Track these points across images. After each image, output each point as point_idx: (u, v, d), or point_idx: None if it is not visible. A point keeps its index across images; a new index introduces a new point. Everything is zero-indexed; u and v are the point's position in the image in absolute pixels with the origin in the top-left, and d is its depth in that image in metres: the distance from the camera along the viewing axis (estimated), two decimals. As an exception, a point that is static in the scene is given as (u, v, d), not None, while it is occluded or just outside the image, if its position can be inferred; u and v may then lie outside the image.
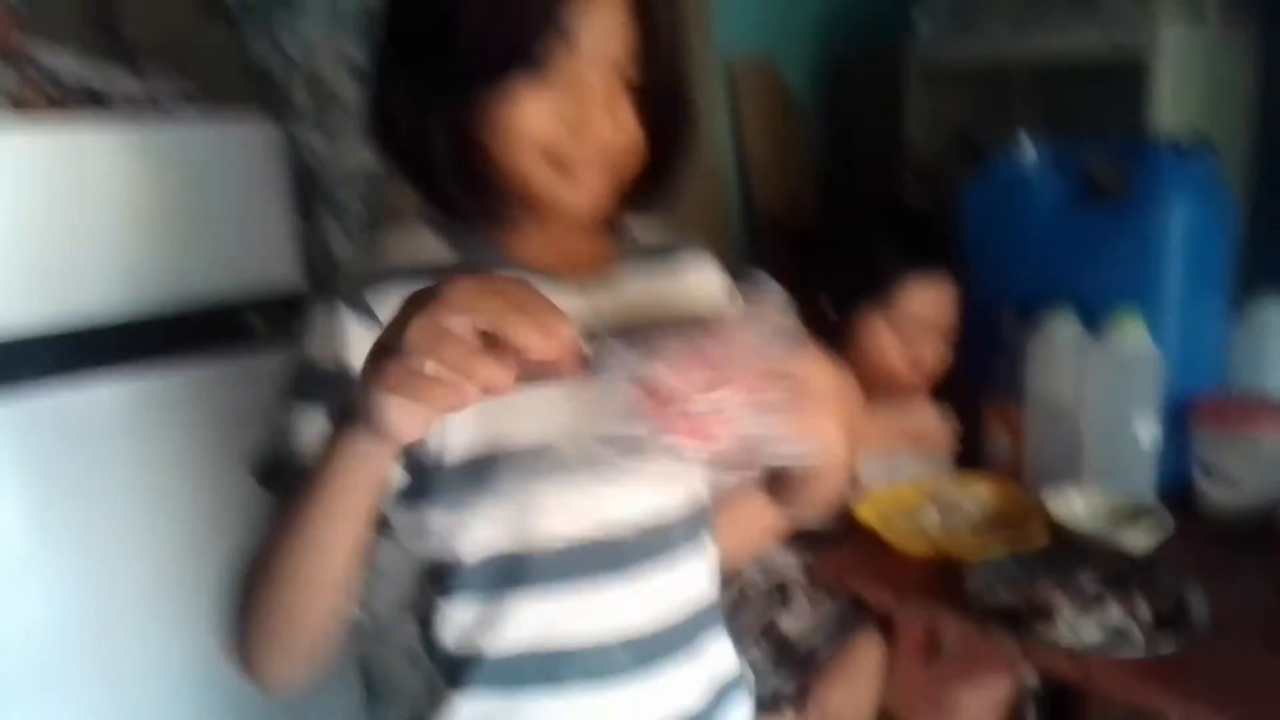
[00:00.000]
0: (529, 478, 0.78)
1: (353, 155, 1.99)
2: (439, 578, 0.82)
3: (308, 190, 1.95)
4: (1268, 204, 1.68)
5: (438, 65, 0.75)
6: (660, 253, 0.93)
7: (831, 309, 1.55)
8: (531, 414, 0.77)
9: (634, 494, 0.83)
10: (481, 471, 0.78)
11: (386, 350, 0.59)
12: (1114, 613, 1.18)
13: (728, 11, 2.35)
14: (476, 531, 0.80)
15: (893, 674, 1.49)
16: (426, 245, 0.83)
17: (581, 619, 0.82)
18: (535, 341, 0.57)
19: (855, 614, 1.52)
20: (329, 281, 0.81)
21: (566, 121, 0.75)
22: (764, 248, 2.62)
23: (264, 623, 0.71)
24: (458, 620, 0.82)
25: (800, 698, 1.54)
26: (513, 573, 0.80)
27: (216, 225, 1.49)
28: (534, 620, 0.81)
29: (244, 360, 1.51)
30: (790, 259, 2.56)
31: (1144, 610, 1.18)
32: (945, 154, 2.25)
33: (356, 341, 0.75)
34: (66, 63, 1.47)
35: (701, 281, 0.95)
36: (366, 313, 0.76)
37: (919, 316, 1.51)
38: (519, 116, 0.75)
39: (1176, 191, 1.43)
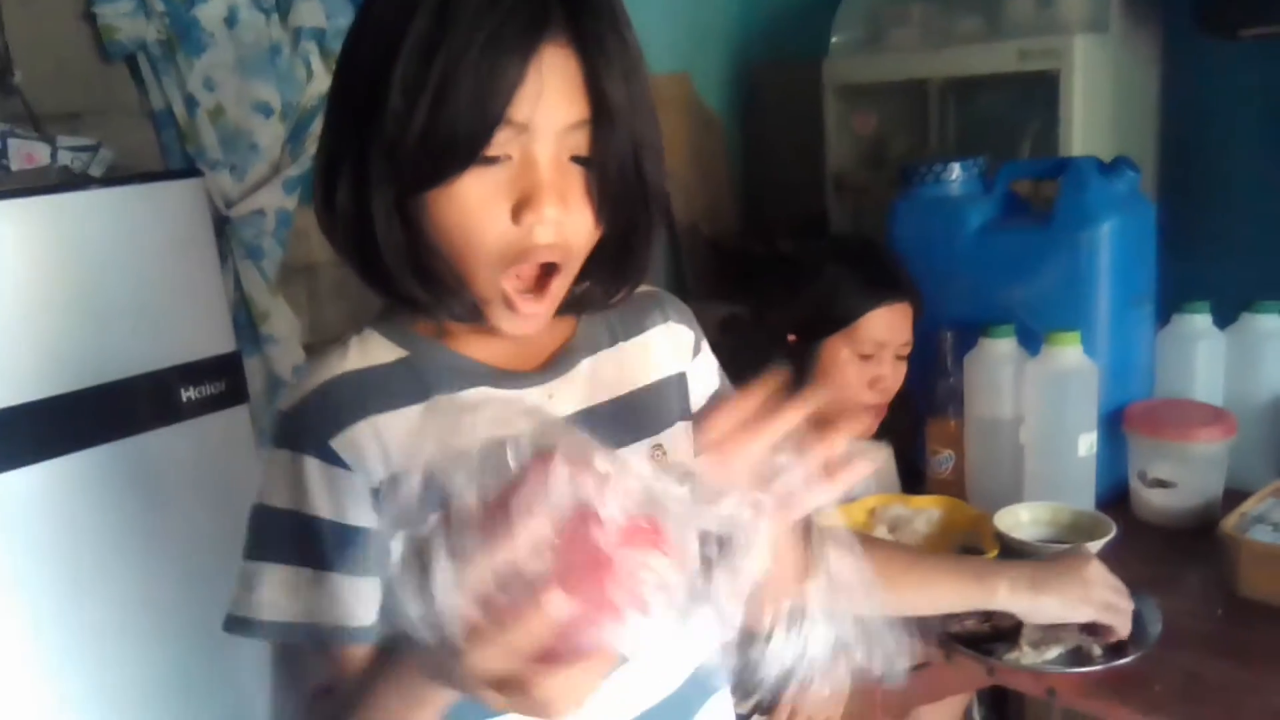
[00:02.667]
0: None
1: (264, 194, 1.93)
2: None
3: (220, 234, 1.88)
4: (1176, 208, 1.75)
5: (382, 159, 0.69)
6: (627, 317, 0.90)
7: (795, 338, 1.58)
8: None
9: None
10: None
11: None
12: (1073, 629, 1.21)
13: (641, 29, 2.35)
14: None
15: (855, 689, 1.52)
16: (373, 349, 0.79)
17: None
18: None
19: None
20: (288, 426, 0.76)
21: (514, 206, 0.70)
22: (685, 260, 2.63)
23: None
24: None
25: (763, 710, 1.56)
26: None
27: (140, 293, 1.42)
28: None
29: (176, 428, 1.46)
30: (717, 274, 2.57)
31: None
32: (863, 166, 2.29)
33: (328, 493, 0.73)
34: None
35: (669, 344, 0.93)
36: (338, 463, 0.73)
37: (880, 341, 1.53)
38: (473, 216, 0.70)
39: (1103, 210, 1.48)
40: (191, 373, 1.47)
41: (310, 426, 0.74)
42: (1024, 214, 1.63)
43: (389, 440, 0.75)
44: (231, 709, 1.54)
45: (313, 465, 0.73)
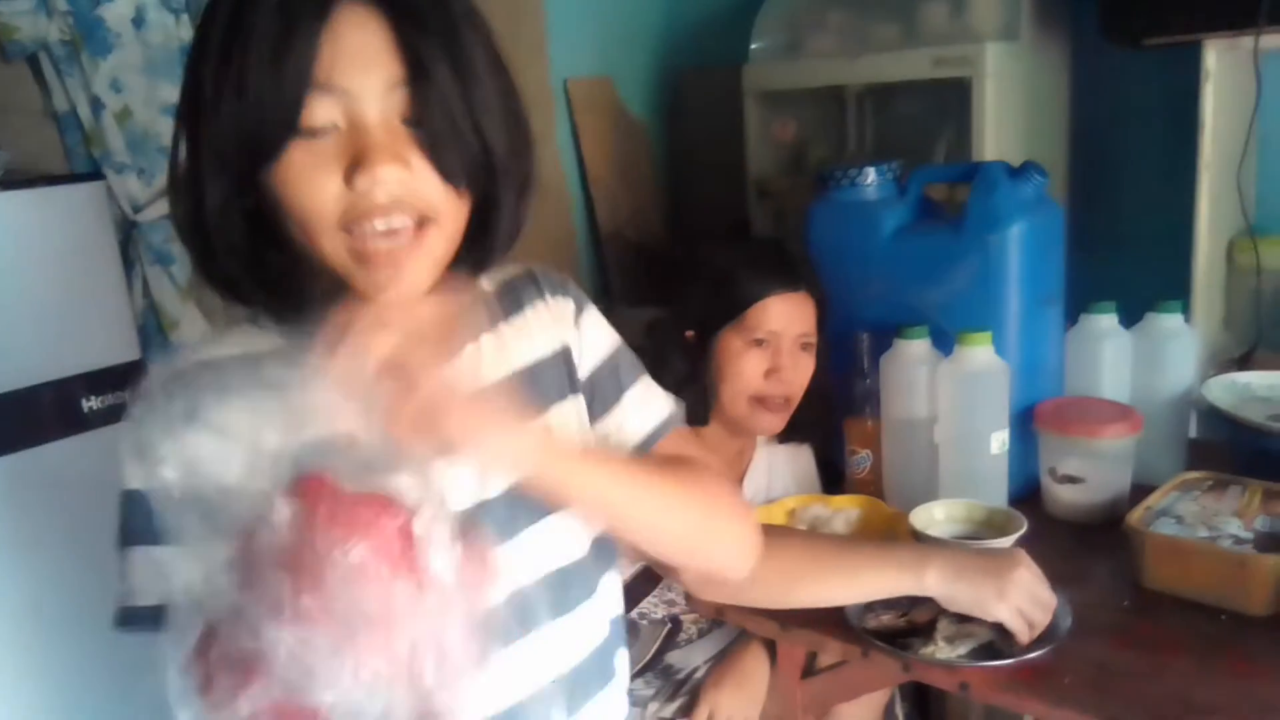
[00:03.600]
0: None
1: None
2: None
3: (127, 239, 1.83)
4: (1084, 211, 1.80)
5: (209, 157, 0.70)
6: (504, 298, 0.89)
7: (692, 334, 1.58)
8: None
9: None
10: None
11: None
12: (985, 625, 1.23)
13: (563, 34, 2.35)
14: None
15: (774, 689, 1.53)
16: (255, 338, 0.79)
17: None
18: None
19: (742, 633, 1.55)
20: (151, 406, 0.74)
21: (346, 169, 0.68)
22: (611, 267, 2.63)
23: None
24: None
25: (685, 711, 1.56)
26: None
27: (40, 300, 1.38)
28: None
29: (80, 438, 1.41)
30: (642, 279, 2.57)
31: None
32: (784, 171, 2.31)
33: (203, 458, 0.71)
34: None
35: (548, 320, 0.91)
36: (206, 428, 0.72)
37: (774, 330, 1.53)
38: (301, 188, 0.69)
39: (1012, 213, 1.50)
40: (95, 381, 1.43)
41: (174, 405, 0.73)
42: (937, 218, 1.66)
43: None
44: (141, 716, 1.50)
45: (185, 434, 0.71)
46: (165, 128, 1.87)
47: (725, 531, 0.91)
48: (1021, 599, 1.17)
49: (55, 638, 1.43)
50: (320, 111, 0.68)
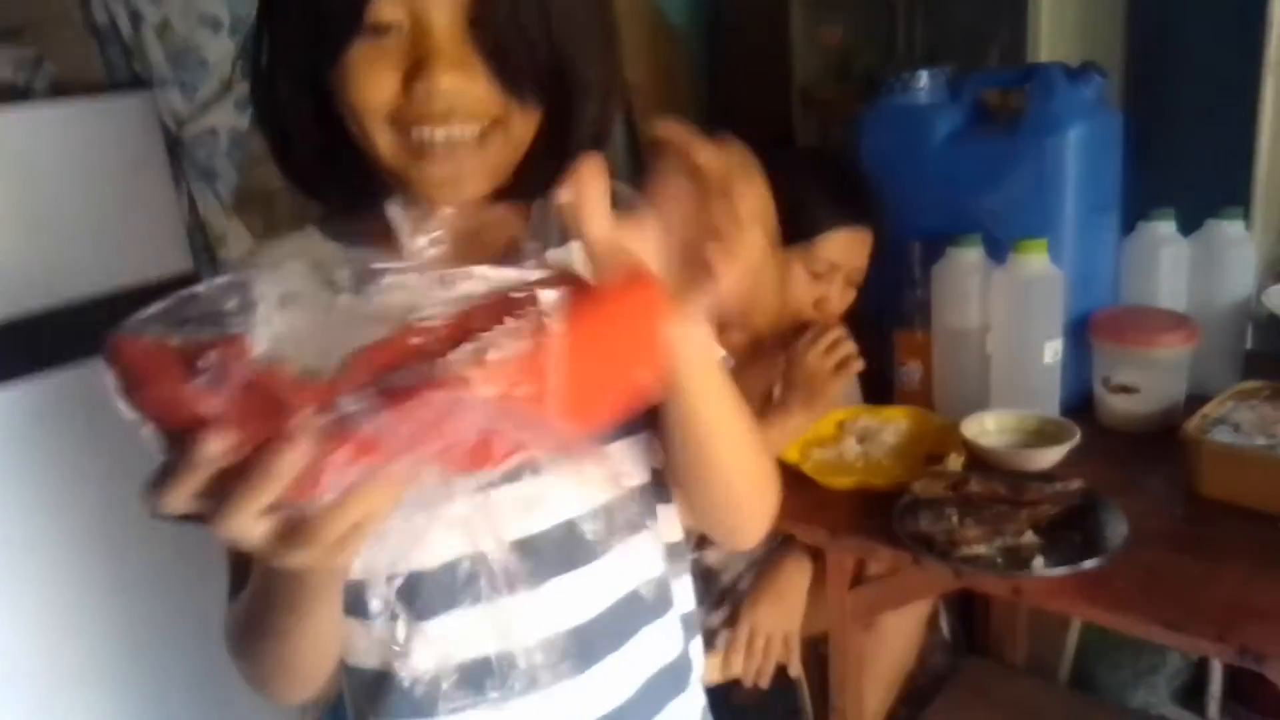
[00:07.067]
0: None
1: (216, 113, 1.87)
2: (346, 602, 0.73)
3: (172, 155, 1.83)
4: (1142, 116, 1.74)
5: (285, 39, 0.70)
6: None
7: None
8: None
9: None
10: None
11: None
12: (1009, 526, 1.23)
13: (600, -62, 2.28)
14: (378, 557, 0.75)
15: (822, 598, 1.54)
16: (308, 247, 0.78)
17: (496, 631, 0.79)
18: None
19: (783, 540, 1.57)
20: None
21: (405, 74, 0.67)
22: (651, 178, 2.59)
23: (261, 670, 0.72)
24: (367, 644, 0.79)
25: (729, 623, 1.59)
26: (418, 596, 0.76)
27: (92, 211, 1.38)
28: (447, 638, 0.77)
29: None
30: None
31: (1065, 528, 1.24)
32: (830, 78, 2.26)
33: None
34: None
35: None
36: None
37: (834, 263, 1.53)
38: (358, 85, 0.67)
39: (1070, 116, 1.46)
40: (149, 295, 1.42)
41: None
42: (992, 123, 1.62)
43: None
44: (199, 621, 1.54)
45: None
46: (205, 40, 1.85)
47: (767, 496, 0.86)
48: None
49: (111, 543, 1.46)
50: (386, 10, 0.66)
